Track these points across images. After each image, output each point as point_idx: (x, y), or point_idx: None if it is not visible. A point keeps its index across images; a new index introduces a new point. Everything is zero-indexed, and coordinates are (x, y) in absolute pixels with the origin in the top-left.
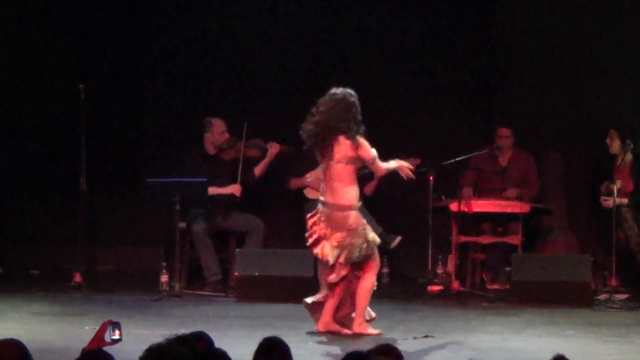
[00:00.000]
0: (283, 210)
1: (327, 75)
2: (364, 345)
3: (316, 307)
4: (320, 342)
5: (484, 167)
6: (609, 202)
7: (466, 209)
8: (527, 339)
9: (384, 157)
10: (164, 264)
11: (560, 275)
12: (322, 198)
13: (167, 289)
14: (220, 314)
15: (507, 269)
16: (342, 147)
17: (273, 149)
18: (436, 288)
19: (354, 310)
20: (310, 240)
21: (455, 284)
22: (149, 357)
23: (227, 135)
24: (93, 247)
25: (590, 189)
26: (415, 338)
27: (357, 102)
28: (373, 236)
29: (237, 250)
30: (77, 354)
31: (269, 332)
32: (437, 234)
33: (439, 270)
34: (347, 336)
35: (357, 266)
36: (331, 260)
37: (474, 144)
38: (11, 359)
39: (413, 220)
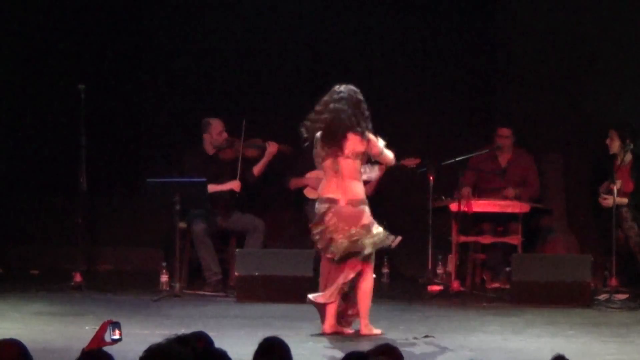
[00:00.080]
0: (283, 210)
1: (326, 75)
2: (364, 345)
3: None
4: (320, 342)
5: (484, 167)
6: (608, 201)
7: (466, 209)
8: (527, 339)
9: None
10: (164, 264)
11: (560, 275)
12: (328, 196)
13: (167, 289)
14: (220, 314)
15: (507, 269)
16: (352, 143)
17: (272, 148)
18: (436, 288)
19: (349, 308)
20: (323, 243)
21: (455, 284)
22: (149, 357)
23: (225, 135)
24: (93, 247)
25: (590, 189)
26: (415, 338)
27: (362, 97)
28: (383, 231)
29: (237, 250)
30: (77, 354)
31: (269, 332)
32: (437, 234)
33: (439, 270)
34: (347, 336)
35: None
36: (340, 254)
37: (474, 144)
38: (11, 359)
39: (413, 220)
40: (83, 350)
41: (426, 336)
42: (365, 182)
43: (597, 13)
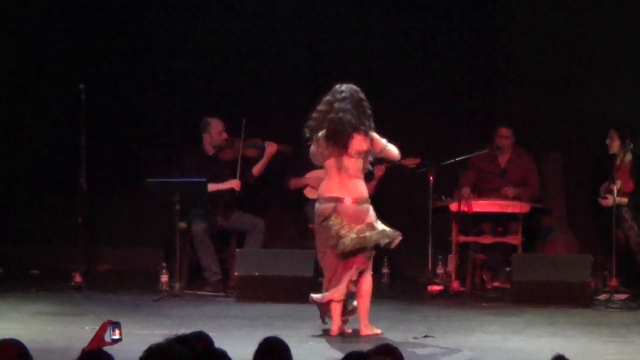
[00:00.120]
0: (283, 210)
1: (326, 75)
2: (364, 345)
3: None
4: (320, 342)
5: (484, 167)
6: (608, 200)
7: (466, 209)
8: (527, 339)
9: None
10: (164, 264)
11: (560, 275)
12: (332, 194)
13: (167, 289)
14: (220, 314)
15: (507, 269)
16: (356, 142)
17: (271, 148)
18: (436, 288)
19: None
20: (332, 240)
21: (455, 284)
22: (149, 357)
23: (225, 135)
24: (93, 247)
25: (590, 189)
26: (415, 338)
27: (363, 96)
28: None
29: (237, 250)
30: (77, 354)
31: (269, 332)
32: (437, 234)
33: (439, 270)
34: (347, 336)
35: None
36: (349, 249)
37: (474, 144)
38: (11, 359)
39: (413, 220)
40: (83, 350)
41: (426, 336)
42: (367, 182)
43: (597, 13)
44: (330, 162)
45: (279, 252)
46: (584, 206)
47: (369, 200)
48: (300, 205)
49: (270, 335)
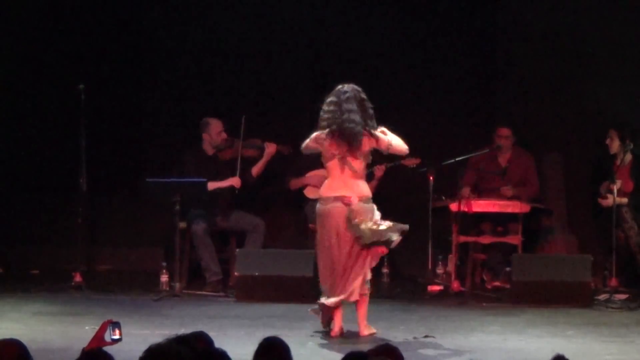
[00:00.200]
0: (283, 210)
1: (326, 76)
2: (364, 346)
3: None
4: (320, 342)
5: (484, 167)
6: (608, 200)
7: (466, 209)
8: (527, 339)
9: (384, 157)
10: (164, 264)
11: (560, 275)
12: (336, 194)
13: (167, 289)
14: (220, 314)
15: (507, 269)
16: (364, 142)
17: (270, 149)
18: (436, 288)
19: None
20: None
21: (455, 284)
22: (149, 357)
23: (224, 136)
24: (93, 247)
25: (590, 189)
26: (415, 338)
27: (365, 96)
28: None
29: (237, 250)
30: (77, 354)
31: (269, 332)
32: (437, 234)
33: (439, 270)
34: (347, 336)
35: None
36: (369, 240)
37: (474, 144)
38: (11, 359)
39: (413, 220)
40: (83, 350)
41: (426, 336)
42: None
43: (597, 13)
44: (334, 162)
45: (279, 252)
46: (584, 206)
47: (371, 199)
48: (300, 205)
49: (270, 335)
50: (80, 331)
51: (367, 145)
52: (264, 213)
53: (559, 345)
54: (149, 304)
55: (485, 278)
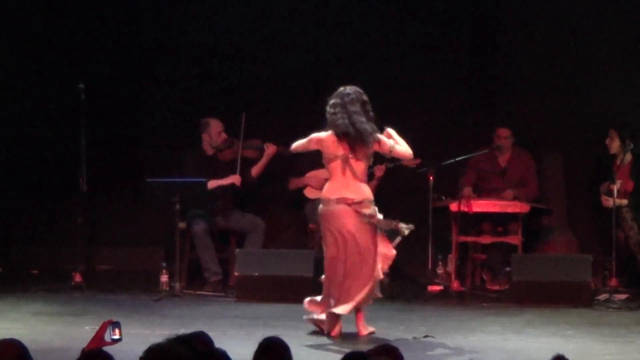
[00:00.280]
0: (283, 211)
1: (326, 76)
2: (364, 345)
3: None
4: (320, 342)
5: (484, 167)
6: (609, 202)
7: (466, 209)
8: (527, 339)
9: (384, 157)
10: (164, 264)
11: (560, 275)
12: (339, 196)
13: (167, 289)
14: (220, 314)
15: (507, 269)
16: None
17: (270, 150)
18: (436, 288)
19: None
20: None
21: (455, 284)
22: (149, 357)
23: (224, 136)
24: (93, 247)
25: (590, 189)
26: (415, 338)
27: (367, 98)
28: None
29: (237, 250)
30: (77, 354)
31: (269, 332)
32: (437, 234)
33: (439, 270)
34: (347, 336)
35: None
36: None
37: (474, 144)
38: (11, 359)
39: (413, 220)
40: (83, 350)
41: (426, 336)
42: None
43: (597, 13)
44: (336, 164)
45: (279, 252)
46: (584, 206)
47: (373, 202)
48: (300, 205)
49: (270, 335)
50: (80, 331)
51: (370, 148)
52: (264, 213)
53: (559, 345)
54: (149, 304)
55: (485, 278)
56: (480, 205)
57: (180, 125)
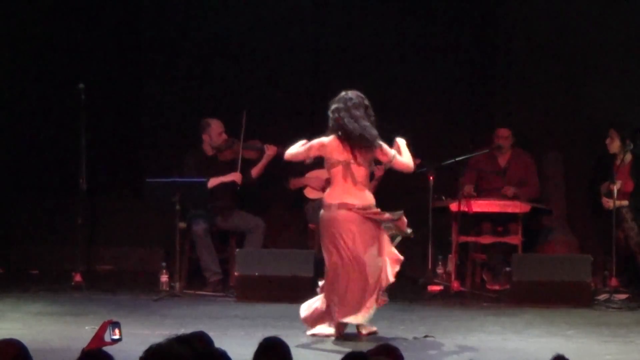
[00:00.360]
0: (283, 210)
1: (326, 77)
2: (364, 345)
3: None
4: (320, 342)
5: (484, 167)
6: (609, 202)
7: (466, 209)
8: (527, 339)
9: None
10: (164, 264)
11: (560, 275)
12: (341, 201)
13: (167, 289)
14: (220, 314)
15: (507, 269)
16: (366, 151)
17: (270, 151)
18: (436, 288)
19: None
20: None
21: (455, 284)
22: (149, 357)
23: (225, 136)
24: (93, 247)
25: (590, 189)
26: (415, 338)
27: (368, 103)
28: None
29: (237, 250)
30: (77, 354)
31: (269, 332)
32: (437, 234)
33: (439, 270)
34: (347, 336)
35: None
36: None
37: (474, 144)
38: (11, 359)
39: (413, 220)
40: (83, 350)
41: (426, 336)
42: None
43: (597, 13)
44: (338, 170)
45: (279, 252)
46: (584, 206)
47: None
48: (300, 205)
49: (270, 335)
50: (80, 331)
51: (372, 153)
52: (264, 213)
53: (559, 345)
54: (149, 304)
55: (485, 278)
56: (480, 205)
57: (180, 125)
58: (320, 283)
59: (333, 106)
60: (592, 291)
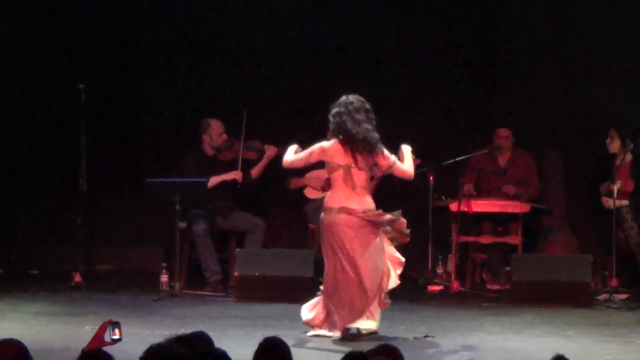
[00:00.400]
0: (283, 210)
1: (326, 77)
2: (364, 346)
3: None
4: (320, 342)
5: (484, 167)
6: (609, 202)
7: (466, 209)
8: (527, 339)
9: None
10: (164, 264)
11: (560, 275)
12: (342, 205)
13: (167, 289)
14: (220, 314)
15: (507, 269)
16: (367, 156)
17: (270, 152)
18: (436, 288)
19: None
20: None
21: (455, 284)
22: (149, 357)
23: (225, 137)
24: (93, 247)
25: (590, 189)
26: (415, 338)
27: (369, 106)
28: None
29: (237, 250)
30: (77, 354)
31: (269, 332)
32: (437, 234)
33: (439, 270)
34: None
35: None
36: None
37: (474, 144)
38: (11, 359)
39: (413, 220)
40: (83, 350)
41: (426, 336)
42: None
43: (597, 13)
44: (338, 174)
45: (279, 252)
46: (584, 206)
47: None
48: (300, 205)
49: (270, 335)
50: (80, 331)
51: (372, 158)
52: (264, 213)
53: (559, 345)
54: (149, 304)
55: (485, 278)
56: (480, 205)
57: (180, 125)
58: (322, 287)
59: (334, 110)
60: (592, 291)
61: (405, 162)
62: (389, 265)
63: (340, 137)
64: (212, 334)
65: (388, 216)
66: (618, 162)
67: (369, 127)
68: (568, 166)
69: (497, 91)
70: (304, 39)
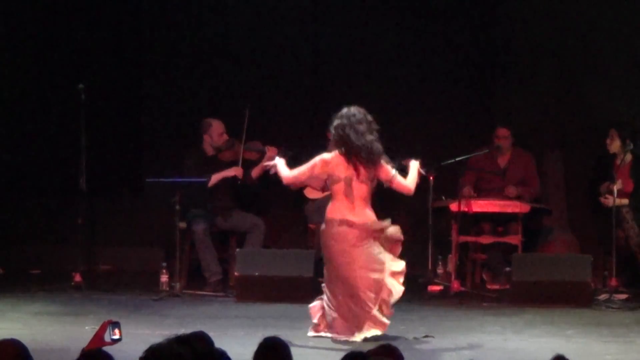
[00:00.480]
0: (283, 210)
1: (326, 77)
2: (364, 345)
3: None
4: (320, 342)
5: (484, 167)
6: (608, 200)
7: (466, 209)
8: (527, 339)
9: None
10: (164, 264)
11: (560, 275)
12: (343, 217)
13: (167, 289)
14: (220, 314)
15: (507, 269)
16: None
17: (271, 153)
18: (436, 288)
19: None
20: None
21: (455, 284)
22: (149, 357)
23: (225, 137)
24: (93, 247)
25: (590, 189)
26: (415, 338)
27: (371, 117)
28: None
29: (237, 250)
30: (77, 354)
31: (269, 332)
32: (437, 234)
33: (439, 270)
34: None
35: None
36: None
37: (474, 144)
38: (11, 359)
39: (413, 220)
40: (83, 350)
41: (426, 336)
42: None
43: (598, 13)
44: (340, 186)
45: (279, 252)
46: (584, 206)
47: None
48: (300, 205)
49: (270, 335)
50: (80, 331)
51: (373, 171)
52: (264, 213)
53: (559, 345)
54: (149, 304)
55: (485, 278)
56: (480, 205)
57: (180, 125)
58: (323, 287)
59: (336, 122)
60: (592, 291)
61: (408, 176)
62: (391, 279)
63: (343, 149)
64: (212, 334)
65: (385, 224)
66: (618, 162)
67: (372, 137)
68: (568, 166)
69: (497, 91)
70: (304, 39)
